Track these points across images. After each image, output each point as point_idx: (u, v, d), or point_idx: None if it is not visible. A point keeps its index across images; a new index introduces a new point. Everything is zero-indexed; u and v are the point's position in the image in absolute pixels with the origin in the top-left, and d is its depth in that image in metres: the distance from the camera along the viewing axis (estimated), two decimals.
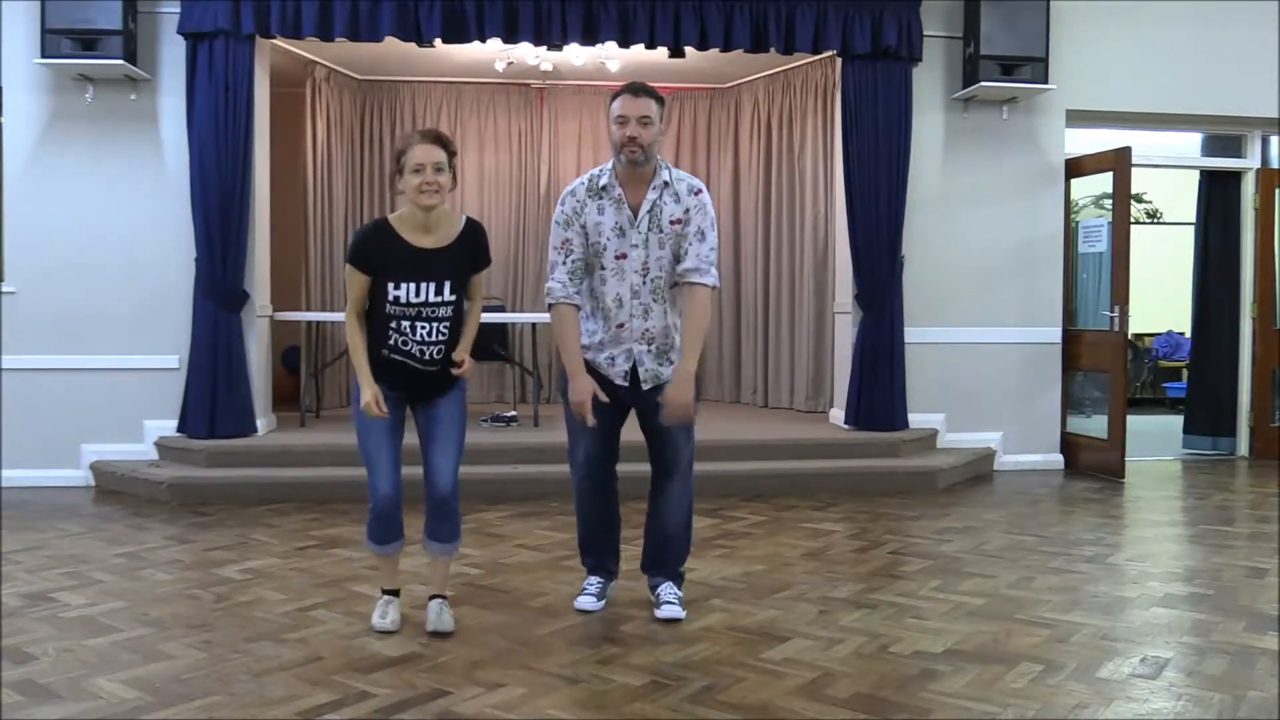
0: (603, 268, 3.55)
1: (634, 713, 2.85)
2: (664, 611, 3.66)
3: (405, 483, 3.46)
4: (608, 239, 3.53)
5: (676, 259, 3.55)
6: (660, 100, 3.53)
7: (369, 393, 3.32)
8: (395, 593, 3.64)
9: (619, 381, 3.62)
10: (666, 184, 3.54)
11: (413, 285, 3.32)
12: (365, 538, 3.60)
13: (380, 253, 3.33)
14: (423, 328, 3.36)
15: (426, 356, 3.39)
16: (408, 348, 3.37)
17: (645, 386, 3.62)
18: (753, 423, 7.34)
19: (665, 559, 3.80)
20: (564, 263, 3.54)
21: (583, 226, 3.54)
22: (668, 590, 3.74)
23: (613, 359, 3.61)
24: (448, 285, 3.36)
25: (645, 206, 3.52)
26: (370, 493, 3.45)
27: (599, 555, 3.86)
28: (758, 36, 6.43)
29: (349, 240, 3.46)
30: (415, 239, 3.36)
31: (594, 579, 3.85)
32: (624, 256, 3.53)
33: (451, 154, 3.36)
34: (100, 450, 6.20)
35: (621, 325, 3.57)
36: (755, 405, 8.35)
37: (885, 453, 6.45)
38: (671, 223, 3.52)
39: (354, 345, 3.39)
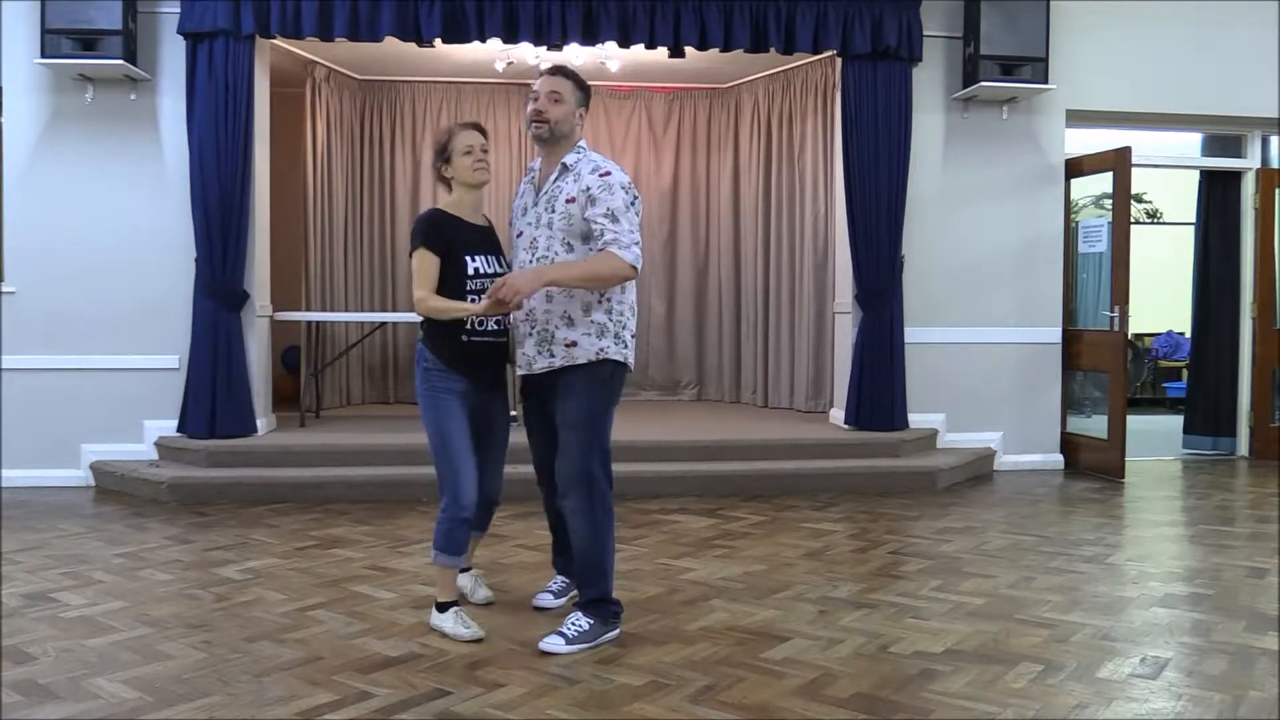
0: (514, 246, 3.64)
1: (634, 713, 2.85)
2: (543, 643, 3.34)
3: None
4: (515, 217, 3.65)
5: (569, 244, 3.42)
6: (580, 85, 3.53)
7: (481, 305, 3.31)
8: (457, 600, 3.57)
9: (520, 369, 3.61)
10: (567, 167, 3.48)
11: (482, 257, 3.51)
12: (434, 550, 3.44)
13: (450, 232, 3.49)
14: None
15: (500, 327, 3.55)
16: (484, 325, 3.49)
17: (520, 370, 3.58)
18: (753, 423, 7.34)
19: (578, 578, 3.54)
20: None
21: (511, 210, 3.72)
22: (570, 620, 3.42)
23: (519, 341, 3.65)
24: (501, 257, 3.60)
25: (545, 187, 3.52)
26: (454, 495, 3.40)
27: (561, 555, 3.86)
28: (758, 36, 6.43)
29: (412, 230, 3.53)
30: (470, 219, 3.57)
31: (560, 578, 3.90)
32: (521, 234, 3.58)
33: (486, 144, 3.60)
34: (100, 450, 6.20)
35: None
36: (755, 405, 8.35)
37: (885, 453, 6.45)
38: (567, 201, 3.41)
39: (444, 306, 3.41)
